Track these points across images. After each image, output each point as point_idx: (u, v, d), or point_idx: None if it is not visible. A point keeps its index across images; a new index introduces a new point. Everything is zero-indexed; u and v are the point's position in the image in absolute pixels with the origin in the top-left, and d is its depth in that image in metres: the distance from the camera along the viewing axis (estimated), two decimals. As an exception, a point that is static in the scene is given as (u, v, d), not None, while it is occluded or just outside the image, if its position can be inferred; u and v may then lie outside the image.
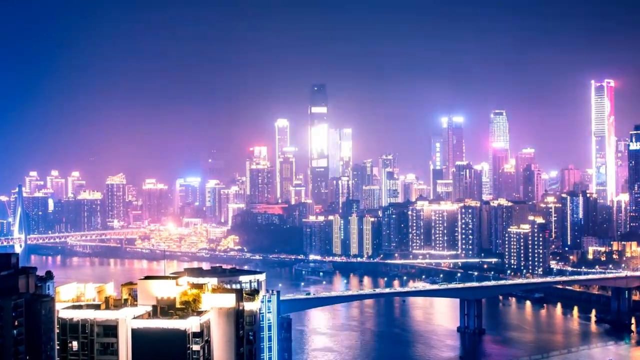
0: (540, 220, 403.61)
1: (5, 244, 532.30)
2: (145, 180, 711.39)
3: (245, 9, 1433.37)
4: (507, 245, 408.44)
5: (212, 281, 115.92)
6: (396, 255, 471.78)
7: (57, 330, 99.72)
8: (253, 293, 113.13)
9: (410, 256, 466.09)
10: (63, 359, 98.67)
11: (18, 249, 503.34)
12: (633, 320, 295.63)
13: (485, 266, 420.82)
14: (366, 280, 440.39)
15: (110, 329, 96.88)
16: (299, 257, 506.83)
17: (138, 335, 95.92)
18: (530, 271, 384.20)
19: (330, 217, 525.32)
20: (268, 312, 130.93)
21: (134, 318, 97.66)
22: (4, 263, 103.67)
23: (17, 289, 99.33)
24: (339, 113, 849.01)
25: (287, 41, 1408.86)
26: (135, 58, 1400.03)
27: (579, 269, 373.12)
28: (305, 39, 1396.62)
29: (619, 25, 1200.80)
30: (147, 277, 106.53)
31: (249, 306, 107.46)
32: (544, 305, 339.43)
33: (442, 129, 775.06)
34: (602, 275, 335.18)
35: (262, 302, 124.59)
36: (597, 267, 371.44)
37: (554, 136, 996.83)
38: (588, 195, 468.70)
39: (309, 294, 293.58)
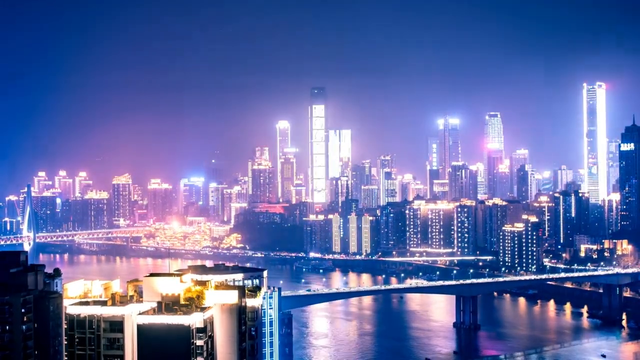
0: (533, 219, 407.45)
1: (14, 242, 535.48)
2: (150, 180, 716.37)
3: (247, 11, 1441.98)
4: (501, 244, 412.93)
5: (216, 278, 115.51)
6: (394, 253, 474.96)
7: (64, 326, 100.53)
8: (255, 290, 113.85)
9: (408, 254, 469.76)
10: (71, 354, 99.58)
11: (27, 247, 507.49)
12: (624, 316, 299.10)
13: (481, 264, 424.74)
14: (365, 277, 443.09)
15: (117, 325, 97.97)
16: (300, 255, 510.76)
17: (143, 331, 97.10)
18: (524, 268, 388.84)
19: (330, 216, 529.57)
20: (269, 308, 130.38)
21: (140, 314, 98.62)
22: (14, 261, 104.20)
23: (26, 286, 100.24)
24: (338, 114, 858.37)
25: (286, 44, 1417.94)
26: (140, 61, 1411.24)
27: (571, 267, 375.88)
28: (304, 42, 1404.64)
29: (610, 29, 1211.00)
30: (152, 274, 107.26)
31: (251, 302, 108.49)
32: (538, 301, 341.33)
33: (438, 130, 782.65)
34: (594, 273, 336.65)
35: (264, 298, 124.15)
36: (589, 264, 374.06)
37: (547, 137, 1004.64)
38: (580, 194, 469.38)
39: (309, 290, 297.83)
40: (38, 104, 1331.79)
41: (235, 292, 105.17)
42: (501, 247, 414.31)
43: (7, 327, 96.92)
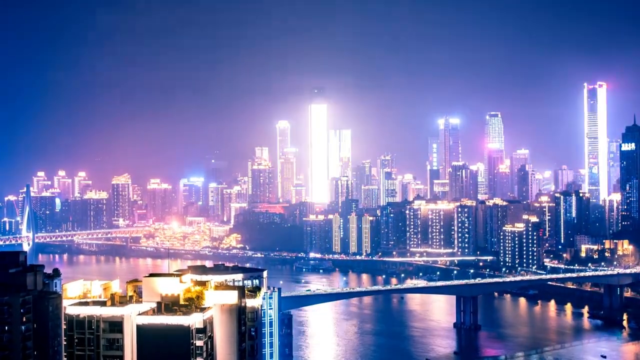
0: (534, 219, 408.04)
1: (13, 242, 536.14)
2: (150, 180, 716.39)
3: (247, 11, 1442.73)
4: (502, 244, 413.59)
5: (215, 278, 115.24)
6: (394, 253, 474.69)
7: (64, 326, 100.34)
8: (255, 290, 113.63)
9: (408, 254, 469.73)
10: (70, 355, 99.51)
11: (26, 247, 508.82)
12: (625, 317, 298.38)
13: (481, 264, 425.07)
14: (365, 277, 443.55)
15: (116, 325, 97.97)
16: (300, 255, 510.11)
17: (143, 331, 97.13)
18: (524, 269, 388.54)
19: (330, 216, 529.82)
20: (269, 309, 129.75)
21: (139, 314, 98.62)
22: (13, 261, 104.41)
23: (25, 286, 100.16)
24: (338, 114, 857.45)
25: (287, 44, 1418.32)
26: (140, 60, 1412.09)
27: (572, 267, 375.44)
28: (305, 42, 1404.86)
29: (611, 29, 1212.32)
30: (151, 275, 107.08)
31: (250, 303, 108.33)
32: (538, 301, 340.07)
33: (439, 130, 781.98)
34: (595, 273, 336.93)
35: (264, 298, 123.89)
36: (589, 264, 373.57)
37: (548, 137, 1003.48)
38: (581, 194, 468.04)
39: (309, 290, 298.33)
40: (37, 104, 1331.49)
41: (235, 293, 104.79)
42: (502, 247, 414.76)
43: (6, 328, 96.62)
